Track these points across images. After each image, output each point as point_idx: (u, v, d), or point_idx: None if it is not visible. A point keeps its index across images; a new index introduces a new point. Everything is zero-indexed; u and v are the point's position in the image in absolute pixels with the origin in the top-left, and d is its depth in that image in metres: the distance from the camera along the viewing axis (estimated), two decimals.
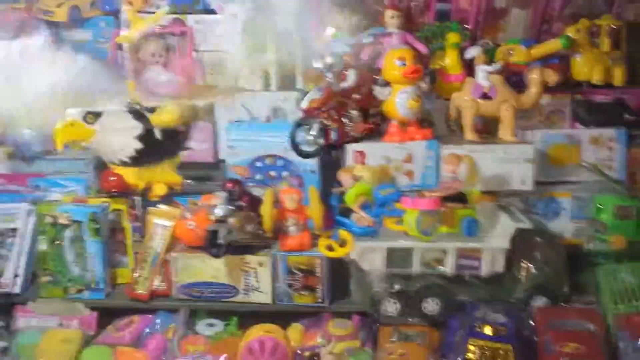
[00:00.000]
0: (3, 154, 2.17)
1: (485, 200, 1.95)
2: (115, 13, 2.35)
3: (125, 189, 2.02)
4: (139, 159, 1.84)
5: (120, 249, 2.07)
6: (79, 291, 2.01)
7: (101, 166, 2.13)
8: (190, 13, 2.31)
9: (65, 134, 1.55)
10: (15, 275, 2.04)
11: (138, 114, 1.92)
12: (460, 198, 1.85)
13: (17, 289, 2.04)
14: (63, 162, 2.17)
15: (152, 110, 1.96)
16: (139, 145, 1.63)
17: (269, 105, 2.19)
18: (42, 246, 2.01)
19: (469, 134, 2.02)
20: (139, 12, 2.28)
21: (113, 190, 2.01)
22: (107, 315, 2.00)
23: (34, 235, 2.06)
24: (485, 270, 1.81)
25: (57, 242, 1.99)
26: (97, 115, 1.79)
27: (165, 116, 1.87)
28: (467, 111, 2.00)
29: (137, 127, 1.90)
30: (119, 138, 1.87)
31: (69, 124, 1.56)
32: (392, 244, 1.81)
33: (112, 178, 2.00)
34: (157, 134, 1.93)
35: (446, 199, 1.83)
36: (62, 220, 1.98)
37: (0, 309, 2.12)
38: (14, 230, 2.07)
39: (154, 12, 2.28)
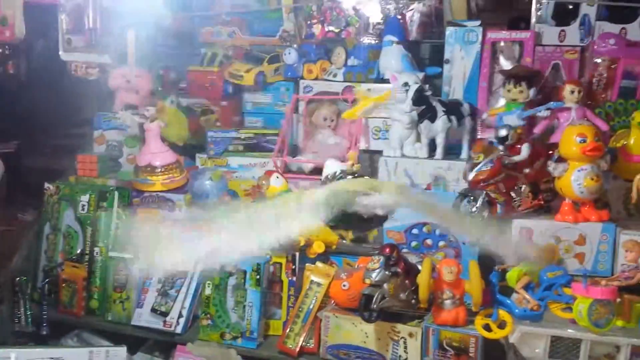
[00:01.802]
0: (185, 201, 2.36)
1: None
2: (295, 79, 2.52)
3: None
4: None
5: (276, 301, 2.14)
6: (234, 338, 2.09)
7: None
8: (363, 82, 2.40)
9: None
10: (180, 316, 2.17)
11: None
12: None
13: (179, 329, 2.17)
14: None
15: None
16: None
17: (432, 172, 2.18)
18: (207, 290, 2.13)
19: None
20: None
21: None
22: None
23: (200, 279, 2.19)
24: None
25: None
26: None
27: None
28: None
29: None
30: None
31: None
32: (558, 332, 1.68)
33: None
34: None
35: (624, 289, 1.67)
36: (229, 268, 2.10)
37: (162, 347, 2.28)
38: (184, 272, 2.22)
39: (334, 80, 2.40)
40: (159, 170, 2.40)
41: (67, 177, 2.59)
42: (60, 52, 2.67)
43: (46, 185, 2.49)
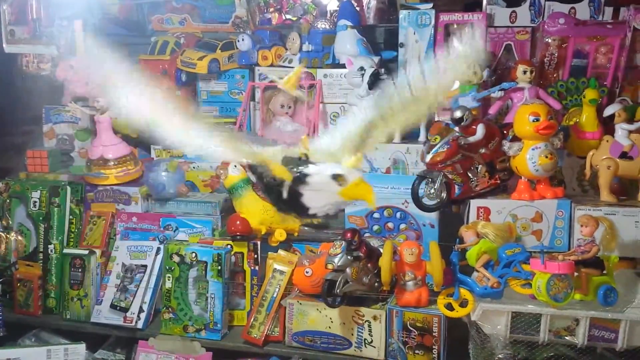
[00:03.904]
0: (140, 194, 2.31)
1: (623, 267, 1.80)
2: (251, 67, 2.48)
3: (248, 233, 2.07)
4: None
5: (239, 291, 2.12)
6: (198, 330, 2.06)
7: (228, 210, 2.21)
8: (320, 67, 2.39)
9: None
10: (140, 311, 2.14)
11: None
12: (596, 263, 1.72)
13: (140, 324, 2.13)
14: (193, 204, 2.27)
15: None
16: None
17: (390, 156, 2.18)
18: (168, 283, 2.09)
19: (606, 195, 1.89)
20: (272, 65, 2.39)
21: (237, 233, 2.06)
22: (220, 356, 2.04)
23: (160, 273, 2.16)
24: (622, 343, 1.67)
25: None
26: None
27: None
28: (605, 171, 1.87)
29: None
30: None
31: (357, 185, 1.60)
32: (518, 308, 1.71)
33: (237, 222, 2.06)
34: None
35: (580, 263, 1.71)
36: (188, 259, 2.07)
37: (123, 343, 2.24)
38: (143, 266, 2.18)
39: (289, 67, 2.38)
40: (112, 163, 2.35)
41: (17, 174, 2.51)
42: (3, 45, 2.57)
43: None
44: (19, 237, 2.35)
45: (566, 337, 1.70)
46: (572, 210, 1.87)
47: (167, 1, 2.63)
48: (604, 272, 1.72)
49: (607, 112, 1.93)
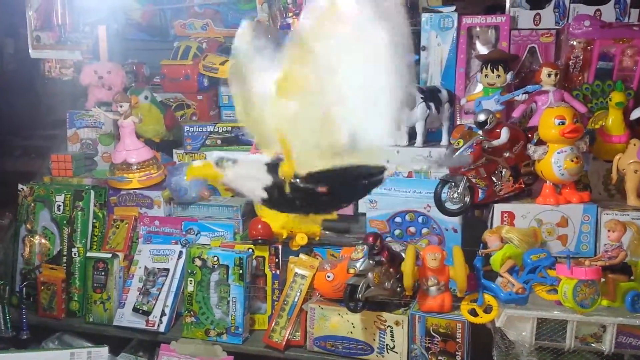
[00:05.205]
0: (162, 198, 2.32)
1: None
2: None
3: (270, 237, 2.07)
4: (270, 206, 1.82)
5: (260, 295, 2.12)
6: (219, 334, 2.06)
7: (249, 214, 2.21)
8: None
9: (195, 172, 1.63)
10: (163, 314, 2.14)
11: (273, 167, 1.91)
12: (623, 269, 1.69)
13: (162, 328, 2.13)
14: (214, 208, 2.27)
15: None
16: (265, 195, 1.62)
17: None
18: (190, 287, 2.10)
19: (633, 200, 1.86)
20: None
21: (259, 237, 2.06)
22: None
23: (182, 276, 2.16)
24: None
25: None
26: (233, 161, 1.81)
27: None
28: (632, 175, 1.84)
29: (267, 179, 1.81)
30: (249, 185, 1.83)
31: (202, 165, 1.63)
32: (544, 314, 1.69)
33: (259, 226, 2.06)
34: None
35: (607, 269, 1.68)
36: (210, 263, 2.07)
37: (145, 346, 2.24)
38: (166, 270, 2.18)
39: None
40: (135, 167, 2.36)
41: (42, 178, 2.54)
42: (29, 50, 2.61)
43: (20, 186, 2.43)
44: (43, 241, 2.38)
45: (593, 344, 1.67)
46: (599, 215, 1.84)
47: (190, 6, 2.65)
48: (632, 277, 1.69)
49: (634, 115, 1.90)
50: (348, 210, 2.28)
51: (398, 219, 2.07)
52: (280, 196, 1.48)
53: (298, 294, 2.02)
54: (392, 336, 1.87)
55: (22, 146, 2.96)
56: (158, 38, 2.77)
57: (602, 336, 1.66)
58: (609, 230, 1.70)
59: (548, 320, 1.68)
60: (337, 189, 1.45)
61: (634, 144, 1.86)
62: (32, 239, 2.39)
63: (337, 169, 1.44)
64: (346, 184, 1.44)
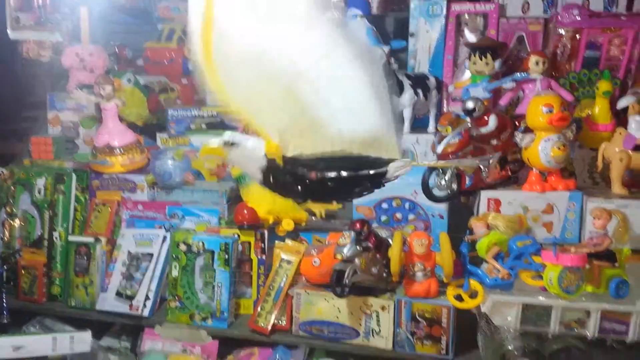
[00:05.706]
0: (146, 182, 2.29)
1: (636, 260, 1.79)
2: None
3: (256, 222, 2.06)
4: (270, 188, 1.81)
5: (246, 280, 2.10)
6: (204, 319, 2.05)
7: (235, 199, 2.19)
8: None
9: (208, 151, 1.64)
10: (146, 299, 2.12)
11: None
12: (608, 256, 1.70)
13: (146, 312, 2.11)
14: (199, 193, 2.25)
15: None
16: (260, 176, 1.63)
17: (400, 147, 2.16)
18: (174, 272, 2.08)
19: (618, 188, 1.87)
20: None
21: (244, 222, 2.05)
22: (227, 344, 2.02)
23: (166, 261, 2.14)
24: (632, 336, 1.66)
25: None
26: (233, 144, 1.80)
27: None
28: (618, 163, 1.86)
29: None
30: (248, 166, 1.83)
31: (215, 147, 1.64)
32: (528, 300, 1.70)
33: (244, 211, 2.05)
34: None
35: (592, 256, 1.69)
36: (195, 248, 2.05)
37: (129, 331, 2.23)
38: (149, 255, 2.16)
39: None
40: (118, 151, 2.32)
41: (21, 160, 2.49)
42: (8, 31, 2.55)
43: (0, 169, 2.39)
44: (22, 224, 2.34)
45: (577, 329, 1.69)
46: (584, 202, 1.85)
47: None
48: (616, 264, 1.71)
49: (621, 104, 1.91)
50: None
51: (385, 205, 2.07)
52: (275, 179, 1.48)
53: (284, 279, 2.01)
54: (378, 321, 1.88)
55: (0, 129, 2.90)
56: (141, 20, 2.72)
57: (586, 322, 1.68)
58: (594, 218, 1.72)
59: (533, 305, 1.69)
60: (332, 178, 1.45)
61: (620, 133, 1.88)
62: (12, 222, 2.35)
63: (335, 158, 1.44)
64: (347, 175, 1.44)
